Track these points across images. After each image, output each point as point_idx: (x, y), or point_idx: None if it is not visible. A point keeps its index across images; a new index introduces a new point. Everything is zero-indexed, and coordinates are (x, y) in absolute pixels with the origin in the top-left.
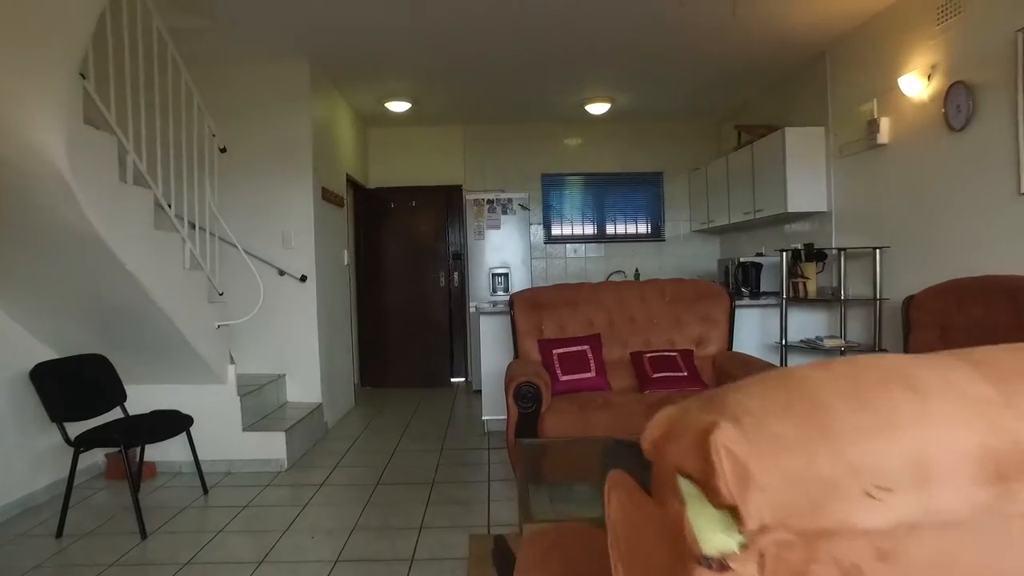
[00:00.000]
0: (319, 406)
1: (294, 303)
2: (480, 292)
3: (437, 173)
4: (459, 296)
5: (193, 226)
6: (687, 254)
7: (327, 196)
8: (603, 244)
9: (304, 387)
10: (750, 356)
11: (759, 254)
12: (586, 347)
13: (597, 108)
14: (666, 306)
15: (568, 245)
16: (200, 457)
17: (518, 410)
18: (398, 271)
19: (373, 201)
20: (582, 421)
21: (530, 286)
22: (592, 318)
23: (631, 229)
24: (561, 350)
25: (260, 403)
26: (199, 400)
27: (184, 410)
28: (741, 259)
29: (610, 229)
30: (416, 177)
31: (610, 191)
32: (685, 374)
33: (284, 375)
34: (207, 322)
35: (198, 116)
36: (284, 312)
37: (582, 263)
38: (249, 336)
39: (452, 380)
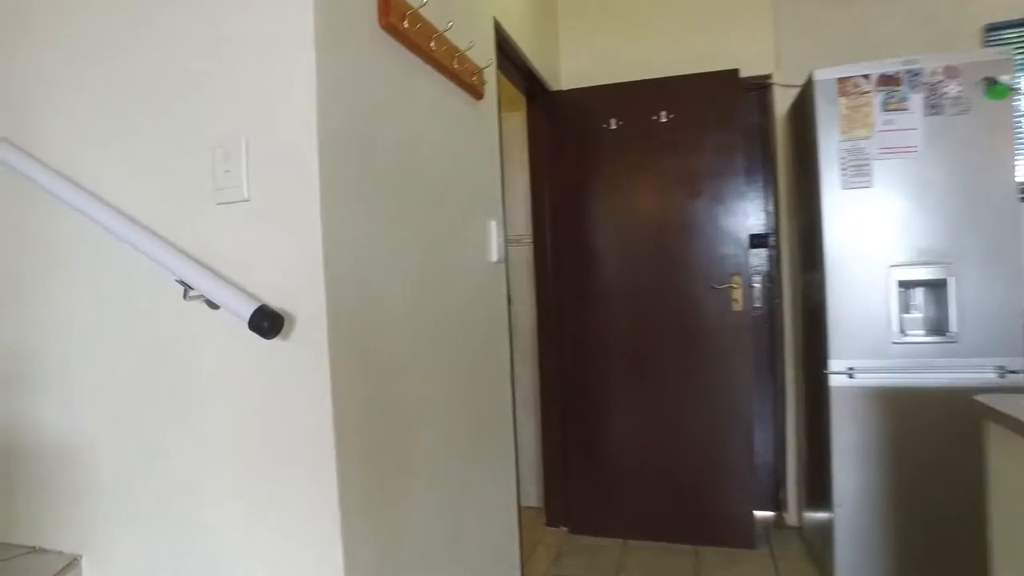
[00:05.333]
0: None
1: (246, 410)
2: (853, 330)
3: (709, 49)
4: (767, 330)
5: None
6: None
7: (405, 34)
8: None
9: None
10: None
11: None
12: None
13: None
14: None
15: None
16: None
17: None
18: (629, 272)
19: (568, 116)
20: None
21: None
22: None
23: None
24: None
25: None
26: None
27: None
28: None
29: None
30: (662, 60)
31: None
32: None
33: None
34: None
35: None
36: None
37: None
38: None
39: (758, 514)
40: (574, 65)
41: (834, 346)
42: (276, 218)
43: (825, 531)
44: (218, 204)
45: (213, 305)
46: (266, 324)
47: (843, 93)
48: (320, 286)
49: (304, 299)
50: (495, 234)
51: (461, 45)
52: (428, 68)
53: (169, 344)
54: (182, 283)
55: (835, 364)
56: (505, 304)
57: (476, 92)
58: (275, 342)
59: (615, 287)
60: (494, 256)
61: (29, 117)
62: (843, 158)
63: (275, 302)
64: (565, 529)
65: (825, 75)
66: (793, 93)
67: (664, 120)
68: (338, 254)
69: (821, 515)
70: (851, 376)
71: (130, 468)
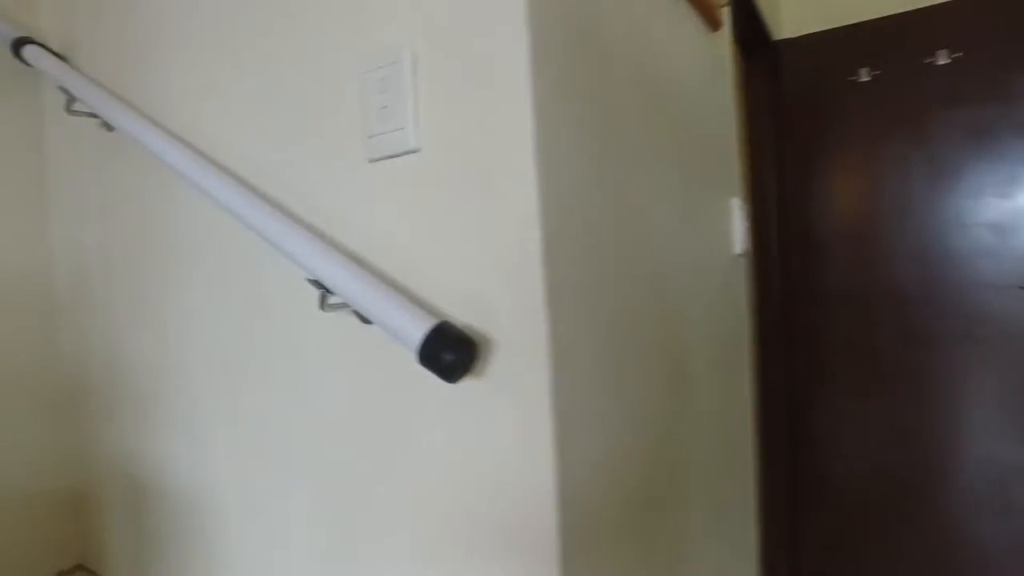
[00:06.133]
0: None
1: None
2: None
3: None
4: None
5: None
6: None
7: None
8: None
9: None
10: None
11: None
12: None
13: None
14: None
15: None
16: None
17: None
18: (884, 269)
19: (799, 71)
20: None
21: None
22: None
23: None
24: None
25: None
26: None
27: None
28: None
29: None
30: None
31: None
32: None
33: None
34: None
35: None
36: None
37: None
38: None
39: None
40: (797, 6)
41: None
42: (462, 179)
43: None
44: (371, 161)
45: (365, 319)
46: (449, 356)
47: None
48: (538, 290)
49: (509, 312)
50: (738, 217)
51: None
52: None
53: (309, 373)
54: (317, 284)
55: None
56: (747, 314)
57: (713, 19)
58: (465, 382)
59: (862, 288)
60: (738, 247)
61: (127, 56)
62: None
63: (462, 317)
64: None
65: None
66: None
67: (943, 62)
68: (563, 238)
69: None
70: None
71: (263, 532)
